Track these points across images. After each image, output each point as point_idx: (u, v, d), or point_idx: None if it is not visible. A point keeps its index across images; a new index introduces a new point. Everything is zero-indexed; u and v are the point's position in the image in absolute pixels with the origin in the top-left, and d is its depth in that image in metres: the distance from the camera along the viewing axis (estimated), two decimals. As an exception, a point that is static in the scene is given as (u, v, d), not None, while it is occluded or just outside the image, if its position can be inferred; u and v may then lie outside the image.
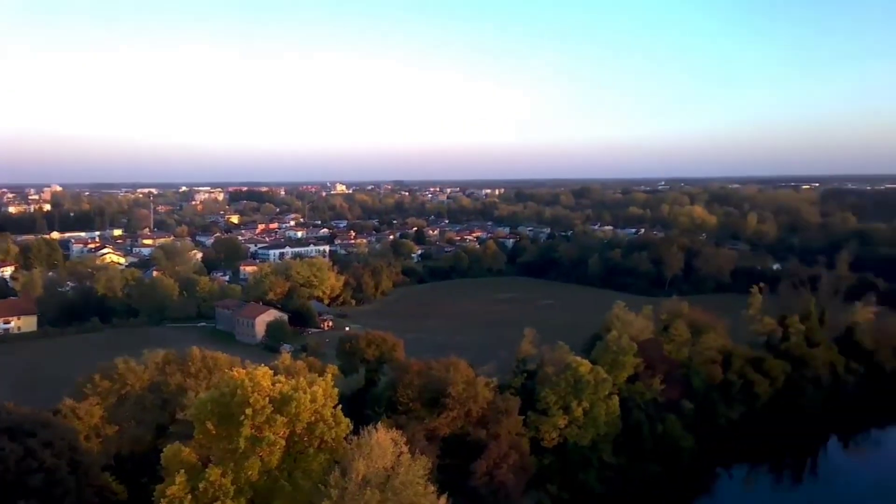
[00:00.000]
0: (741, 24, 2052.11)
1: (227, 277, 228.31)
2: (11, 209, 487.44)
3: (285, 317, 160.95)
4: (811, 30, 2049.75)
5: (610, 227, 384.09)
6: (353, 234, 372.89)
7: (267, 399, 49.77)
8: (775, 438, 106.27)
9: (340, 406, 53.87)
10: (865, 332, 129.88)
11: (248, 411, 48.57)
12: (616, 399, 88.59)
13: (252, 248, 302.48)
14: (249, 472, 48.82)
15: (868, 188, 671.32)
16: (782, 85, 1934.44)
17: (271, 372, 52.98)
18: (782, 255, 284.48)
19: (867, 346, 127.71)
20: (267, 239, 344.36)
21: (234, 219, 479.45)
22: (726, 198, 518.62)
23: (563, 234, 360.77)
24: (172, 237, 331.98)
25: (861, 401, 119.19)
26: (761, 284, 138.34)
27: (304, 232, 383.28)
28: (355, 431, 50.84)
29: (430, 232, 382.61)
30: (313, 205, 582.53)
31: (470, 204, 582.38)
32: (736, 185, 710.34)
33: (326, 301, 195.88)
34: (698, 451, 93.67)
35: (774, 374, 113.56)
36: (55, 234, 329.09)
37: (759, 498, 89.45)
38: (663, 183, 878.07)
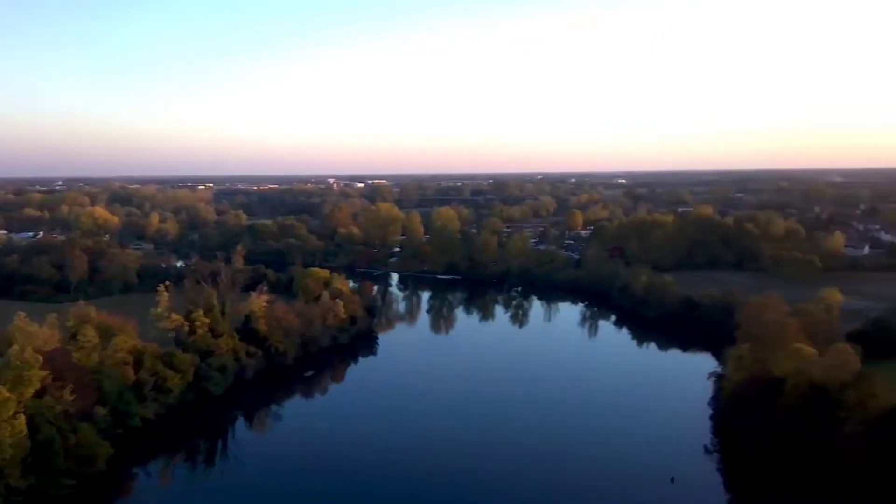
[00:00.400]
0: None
1: None
2: None
3: None
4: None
5: (4, 232, 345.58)
6: None
7: None
8: (189, 428, 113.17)
9: None
10: (260, 318, 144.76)
11: None
12: (22, 418, 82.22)
13: None
14: None
15: (255, 188, 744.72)
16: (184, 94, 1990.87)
17: None
18: (185, 253, 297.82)
19: (262, 332, 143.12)
20: None
21: None
22: (128, 198, 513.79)
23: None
24: None
25: (261, 381, 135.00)
26: (167, 282, 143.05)
27: None
28: None
29: None
30: None
31: None
32: (136, 185, 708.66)
33: None
34: (116, 455, 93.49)
35: (184, 368, 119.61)
36: None
37: (176, 488, 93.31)
38: (60, 183, 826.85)
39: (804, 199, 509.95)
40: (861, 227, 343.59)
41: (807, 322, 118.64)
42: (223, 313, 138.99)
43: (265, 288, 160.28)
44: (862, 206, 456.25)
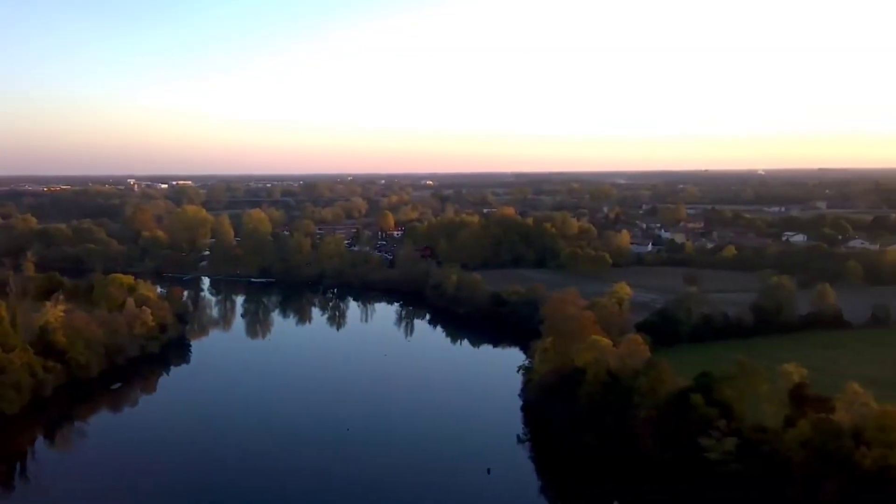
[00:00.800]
0: None
1: None
2: None
3: None
4: None
5: None
6: None
7: None
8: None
9: None
10: (58, 330, 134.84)
11: None
12: None
13: None
14: None
15: (44, 189, 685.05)
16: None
17: None
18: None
19: (61, 344, 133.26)
20: None
21: None
22: None
23: None
24: None
25: (62, 396, 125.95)
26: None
27: None
28: None
29: None
30: None
31: None
32: None
33: None
34: None
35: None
36: None
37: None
38: None
39: (594, 199, 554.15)
40: (644, 226, 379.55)
41: (602, 314, 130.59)
42: (14, 325, 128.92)
43: (62, 297, 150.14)
44: (644, 207, 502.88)
